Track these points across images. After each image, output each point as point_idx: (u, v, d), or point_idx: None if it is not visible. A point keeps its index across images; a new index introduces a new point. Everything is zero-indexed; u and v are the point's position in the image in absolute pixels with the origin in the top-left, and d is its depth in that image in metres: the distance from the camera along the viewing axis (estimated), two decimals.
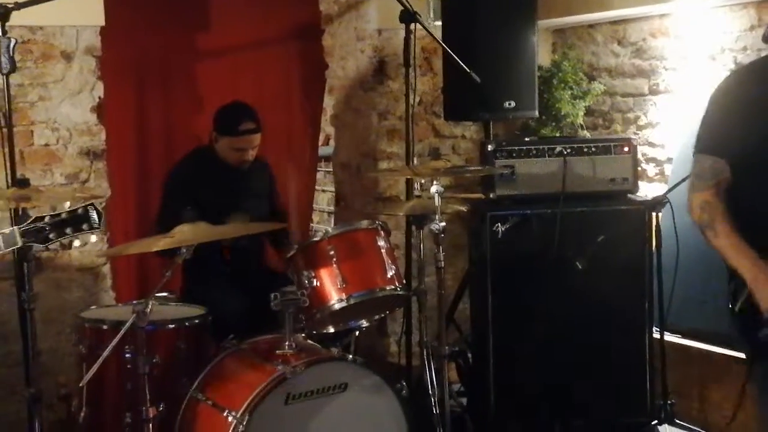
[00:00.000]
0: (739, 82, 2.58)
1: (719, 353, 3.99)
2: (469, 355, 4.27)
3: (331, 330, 3.57)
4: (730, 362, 3.87)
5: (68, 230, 2.79)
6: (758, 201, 2.56)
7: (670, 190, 3.84)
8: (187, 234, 3.05)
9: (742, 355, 2.73)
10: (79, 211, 2.81)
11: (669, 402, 3.81)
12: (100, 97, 4.20)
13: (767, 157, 2.50)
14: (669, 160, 4.72)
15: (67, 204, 2.84)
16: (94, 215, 2.81)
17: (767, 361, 2.55)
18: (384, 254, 3.51)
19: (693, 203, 2.60)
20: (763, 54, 2.61)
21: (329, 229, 3.54)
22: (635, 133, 4.87)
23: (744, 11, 4.34)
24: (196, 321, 3.44)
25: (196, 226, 3.13)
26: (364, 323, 3.63)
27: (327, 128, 6.07)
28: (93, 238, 2.93)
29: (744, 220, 2.58)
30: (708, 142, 2.59)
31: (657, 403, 3.90)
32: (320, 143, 5.91)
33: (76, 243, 2.89)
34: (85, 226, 2.80)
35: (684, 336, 4.17)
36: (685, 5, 4.47)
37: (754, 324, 2.50)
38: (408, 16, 3.94)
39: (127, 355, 3.21)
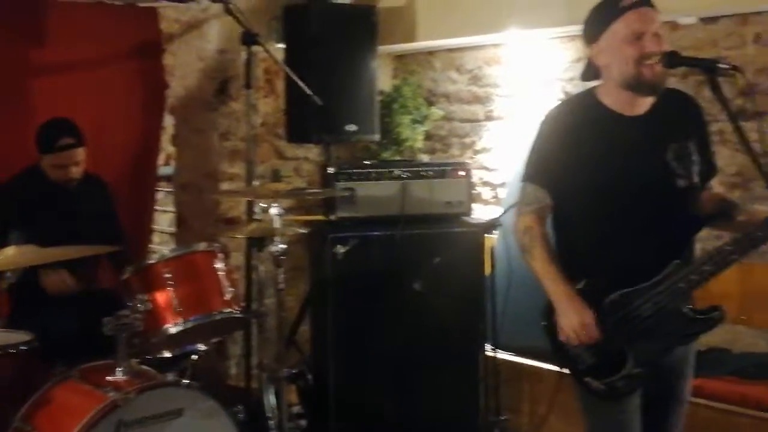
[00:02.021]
0: (555, 119, 2.72)
1: (549, 369, 4.15)
2: (310, 376, 4.28)
3: (168, 354, 3.51)
4: (559, 378, 4.03)
5: None
6: (577, 231, 2.71)
7: (503, 213, 3.99)
8: (12, 257, 2.94)
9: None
10: None
11: (502, 418, 3.94)
12: None
13: (583, 187, 2.64)
14: (503, 184, 4.90)
15: None
16: None
17: (572, 370, 2.72)
18: (221, 277, 3.48)
19: (517, 227, 2.75)
20: (588, 86, 2.77)
21: (165, 252, 3.49)
22: (472, 158, 5.04)
23: (571, 43, 4.58)
24: (23, 347, 3.29)
25: (24, 248, 3.02)
26: (202, 347, 3.59)
27: (169, 148, 5.97)
28: None
29: (566, 248, 2.73)
30: (530, 172, 2.74)
31: (491, 419, 4.02)
32: (161, 163, 5.80)
33: None
34: None
35: (517, 353, 4.32)
36: (516, 36, 4.66)
37: (557, 339, 2.68)
38: (249, 38, 3.95)
39: None
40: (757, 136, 2.56)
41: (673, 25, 4.13)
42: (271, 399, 3.77)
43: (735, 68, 2.38)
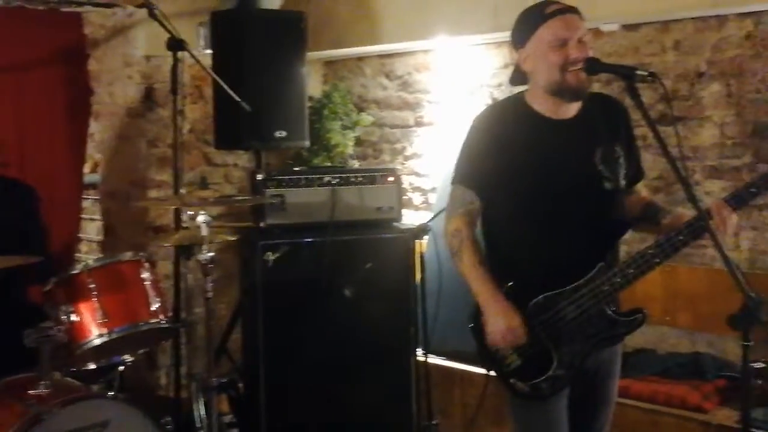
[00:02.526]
0: (485, 121, 2.73)
1: (480, 373, 4.16)
2: (241, 385, 4.24)
3: (93, 366, 3.44)
4: (487, 380, 4.06)
5: None
6: (505, 234, 2.73)
7: (432, 218, 4.00)
8: None
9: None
10: None
11: (433, 423, 3.95)
12: None
13: (512, 189, 2.66)
14: (433, 189, 4.93)
15: None
16: None
17: (498, 372, 2.75)
18: (148, 286, 3.43)
19: (446, 229, 2.76)
20: (515, 91, 2.80)
21: (90, 262, 3.42)
22: (402, 164, 5.06)
23: (498, 50, 4.63)
24: None
25: None
26: (129, 358, 3.53)
27: (96, 155, 5.86)
28: None
29: (494, 251, 2.75)
30: (460, 174, 2.75)
31: (423, 423, 4.03)
32: (88, 170, 5.69)
33: None
34: None
35: (448, 358, 4.34)
36: (445, 42, 4.70)
37: (484, 341, 2.70)
38: (175, 44, 3.90)
39: None
40: (676, 141, 2.63)
41: (597, 32, 4.21)
42: (201, 409, 3.72)
43: (652, 75, 2.42)
